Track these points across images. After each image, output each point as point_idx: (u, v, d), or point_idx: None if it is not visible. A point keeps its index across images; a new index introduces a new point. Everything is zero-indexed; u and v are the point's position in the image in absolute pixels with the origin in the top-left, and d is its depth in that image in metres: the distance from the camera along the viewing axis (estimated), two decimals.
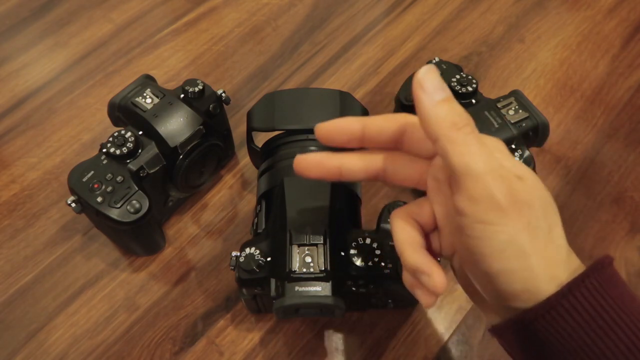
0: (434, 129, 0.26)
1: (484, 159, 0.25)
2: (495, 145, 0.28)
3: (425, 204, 0.30)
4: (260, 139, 0.46)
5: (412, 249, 0.29)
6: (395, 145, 0.30)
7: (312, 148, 0.43)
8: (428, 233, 0.31)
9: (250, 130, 0.46)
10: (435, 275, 0.28)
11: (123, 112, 0.45)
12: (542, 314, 0.25)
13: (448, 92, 0.26)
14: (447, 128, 0.26)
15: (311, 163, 0.31)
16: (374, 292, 0.40)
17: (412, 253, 0.29)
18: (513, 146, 0.43)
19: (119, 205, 0.41)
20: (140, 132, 0.44)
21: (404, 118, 0.30)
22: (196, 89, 0.46)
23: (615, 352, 0.24)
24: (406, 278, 0.30)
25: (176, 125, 0.43)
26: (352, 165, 0.31)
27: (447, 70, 0.49)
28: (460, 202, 0.26)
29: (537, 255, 0.25)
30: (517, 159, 0.43)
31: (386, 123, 0.30)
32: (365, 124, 0.30)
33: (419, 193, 0.32)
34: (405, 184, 0.31)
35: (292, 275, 0.35)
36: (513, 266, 0.26)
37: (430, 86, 0.26)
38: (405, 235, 0.29)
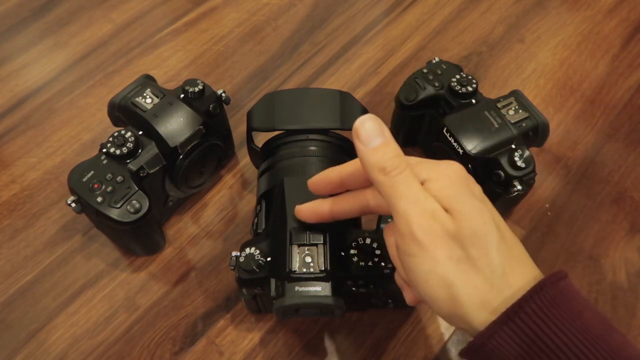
0: (369, 174, 0.29)
1: (406, 198, 0.28)
2: (439, 178, 0.30)
3: None
4: (260, 139, 0.46)
5: (396, 260, 0.32)
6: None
7: (312, 148, 0.43)
8: None
9: (250, 130, 0.46)
10: (407, 294, 0.33)
11: (123, 112, 0.45)
12: (485, 340, 0.27)
13: (384, 137, 0.29)
14: (377, 173, 0.29)
15: (306, 211, 0.35)
16: (374, 292, 0.40)
17: (398, 270, 0.32)
18: (513, 146, 0.43)
19: (119, 205, 0.41)
20: (140, 132, 0.44)
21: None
22: (196, 89, 0.46)
23: None
24: (397, 278, 0.35)
25: (176, 125, 0.43)
26: (340, 207, 0.34)
27: (447, 70, 0.49)
28: (396, 238, 0.29)
29: (461, 285, 0.27)
30: (517, 159, 0.43)
31: (356, 169, 0.33)
32: (340, 176, 0.34)
33: None
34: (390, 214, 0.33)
35: (292, 275, 0.35)
36: (437, 294, 0.28)
37: (364, 135, 0.29)
38: (393, 249, 0.32)
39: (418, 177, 0.29)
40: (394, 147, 0.29)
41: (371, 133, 0.29)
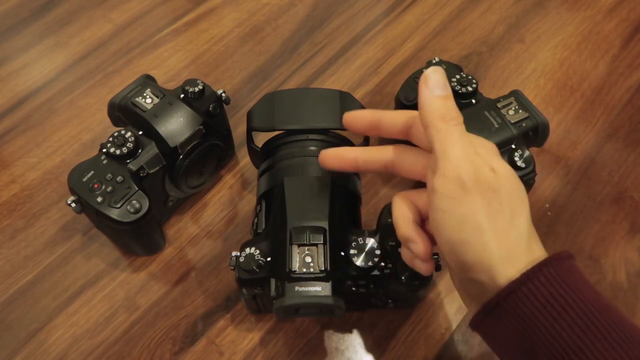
0: (427, 118, 0.31)
1: (460, 146, 0.30)
2: (484, 145, 0.32)
3: (423, 192, 0.34)
4: (260, 139, 0.46)
5: (405, 222, 0.33)
6: (404, 136, 0.35)
7: (312, 148, 0.43)
8: (424, 218, 0.34)
9: (250, 130, 0.46)
10: (421, 242, 0.33)
11: (123, 112, 0.45)
12: (503, 298, 0.28)
13: (448, 92, 0.31)
14: (437, 118, 0.31)
15: (332, 155, 0.36)
16: (374, 292, 0.40)
17: (404, 225, 0.33)
18: (513, 146, 0.43)
19: (119, 205, 0.41)
20: (140, 132, 0.44)
21: (412, 113, 0.35)
22: (196, 89, 0.46)
23: (570, 333, 0.27)
24: (404, 253, 0.35)
25: (176, 125, 0.43)
26: (367, 156, 0.36)
27: (447, 70, 0.49)
28: (434, 180, 0.30)
29: (493, 234, 0.29)
30: (517, 159, 0.43)
31: (397, 116, 0.35)
32: (380, 117, 0.35)
33: None
34: (410, 176, 0.35)
35: (292, 275, 0.35)
36: (469, 238, 0.29)
37: (433, 82, 0.31)
38: (402, 212, 0.34)
39: None
40: (454, 102, 0.31)
41: (438, 83, 0.31)
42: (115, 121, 0.47)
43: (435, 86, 0.31)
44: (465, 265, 0.30)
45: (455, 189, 0.29)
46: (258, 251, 0.37)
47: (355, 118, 0.36)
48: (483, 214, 0.29)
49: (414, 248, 0.33)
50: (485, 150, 0.32)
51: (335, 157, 0.36)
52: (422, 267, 0.33)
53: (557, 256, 0.29)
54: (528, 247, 0.29)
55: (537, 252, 0.30)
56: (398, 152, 0.35)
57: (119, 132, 0.43)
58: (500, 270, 0.29)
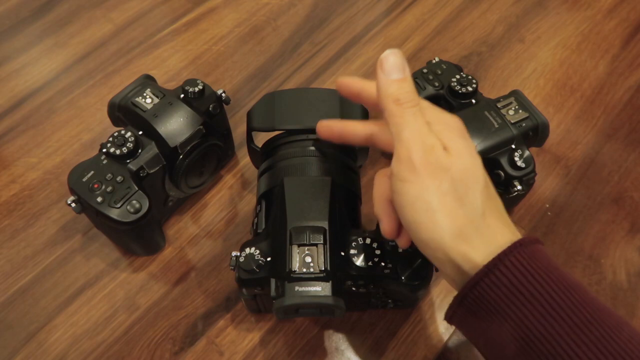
0: (382, 102, 0.32)
1: (412, 128, 0.31)
2: (444, 122, 0.33)
3: None
4: (260, 139, 0.46)
5: (380, 200, 0.35)
6: (369, 144, 0.38)
7: (312, 148, 0.43)
8: None
9: (250, 130, 0.46)
10: (385, 222, 0.34)
11: (123, 112, 0.45)
12: (469, 289, 0.29)
13: (404, 74, 0.32)
14: (391, 102, 0.31)
15: (323, 125, 0.39)
16: (374, 292, 0.40)
17: (378, 203, 0.35)
18: (513, 146, 0.43)
19: (119, 205, 0.41)
20: (140, 132, 0.44)
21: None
22: (196, 89, 0.46)
23: (532, 319, 0.28)
24: (376, 209, 0.36)
25: (176, 125, 0.43)
26: (351, 128, 0.38)
27: (447, 70, 0.49)
28: (392, 163, 0.31)
29: (443, 213, 0.30)
30: (517, 159, 0.43)
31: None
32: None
33: None
34: (389, 150, 0.35)
35: (292, 275, 0.35)
36: (421, 218, 0.30)
37: (388, 66, 0.32)
38: (379, 189, 0.35)
39: (425, 117, 0.32)
40: (410, 84, 0.32)
41: (394, 66, 0.32)
42: (115, 121, 0.47)
43: (391, 69, 0.31)
44: (422, 244, 0.31)
45: (407, 171, 0.30)
46: (258, 251, 0.37)
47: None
48: (433, 194, 0.30)
49: (381, 225, 0.35)
50: (443, 128, 0.32)
51: (326, 127, 0.39)
52: (388, 229, 0.35)
53: (521, 242, 0.29)
54: (483, 223, 0.30)
55: (494, 228, 0.30)
56: (378, 126, 0.36)
57: (119, 132, 0.43)
58: (453, 247, 0.30)
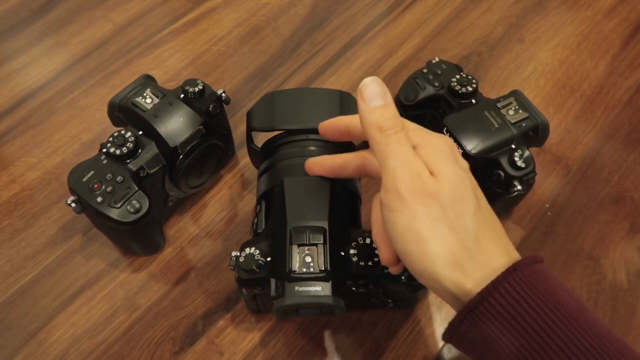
0: (366, 130, 0.31)
1: (397, 155, 0.30)
2: (431, 144, 0.32)
3: None
4: (260, 139, 0.46)
5: (377, 227, 0.34)
6: None
7: (312, 148, 0.43)
8: None
9: (250, 130, 0.46)
10: (383, 250, 0.33)
11: (123, 112, 0.45)
12: (464, 316, 0.28)
13: (386, 100, 0.31)
14: (374, 131, 0.31)
15: (313, 162, 0.38)
16: (374, 292, 0.40)
17: (376, 231, 0.34)
18: (513, 146, 0.43)
19: (119, 205, 0.41)
20: (140, 132, 0.44)
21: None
22: (196, 89, 0.46)
23: (530, 350, 0.27)
24: (374, 236, 0.35)
25: (176, 125, 0.43)
26: (341, 162, 0.37)
27: (447, 70, 0.49)
28: (381, 193, 0.31)
29: (434, 241, 0.29)
30: (517, 159, 0.43)
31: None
32: (349, 123, 0.36)
33: None
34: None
35: (292, 275, 0.35)
36: (411, 248, 0.29)
37: (367, 94, 0.31)
38: (376, 215, 0.34)
39: (411, 141, 0.31)
40: (392, 110, 0.31)
41: (374, 93, 0.31)
42: (115, 121, 0.47)
43: (371, 97, 0.31)
44: (416, 273, 0.30)
45: (395, 200, 0.30)
46: (258, 251, 0.37)
47: (328, 126, 0.37)
48: (422, 222, 0.29)
49: (379, 254, 0.34)
50: (431, 151, 0.31)
51: (316, 164, 0.38)
52: (386, 258, 0.34)
53: (516, 266, 0.28)
54: (477, 247, 0.29)
55: (489, 251, 0.29)
56: (367, 156, 0.35)
57: (119, 132, 0.43)
58: (446, 276, 0.29)
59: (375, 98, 0.31)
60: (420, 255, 0.29)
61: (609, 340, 0.27)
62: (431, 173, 0.30)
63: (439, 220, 0.29)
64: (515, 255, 0.30)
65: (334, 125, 0.37)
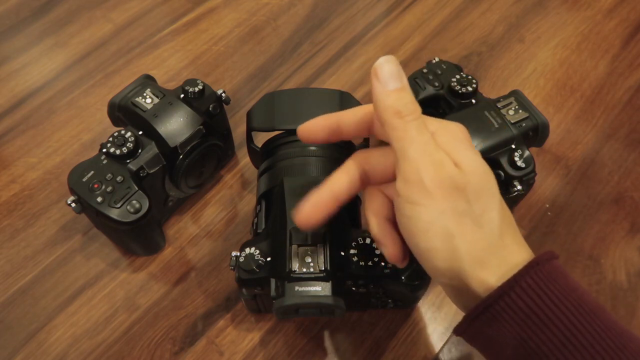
0: (382, 115, 0.29)
1: (418, 144, 0.28)
2: (449, 133, 0.30)
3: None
4: (260, 139, 0.46)
5: (377, 220, 0.31)
6: (368, 132, 0.33)
7: (312, 148, 0.43)
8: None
9: (250, 130, 0.46)
10: (390, 246, 0.31)
11: (123, 112, 0.45)
12: (481, 311, 0.27)
13: (402, 83, 0.28)
14: (392, 115, 0.28)
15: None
16: (374, 292, 0.40)
17: (375, 225, 0.31)
18: (513, 146, 0.43)
19: (119, 205, 0.41)
20: (140, 132, 0.44)
21: (369, 107, 0.32)
22: (196, 89, 0.46)
23: (550, 346, 0.26)
24: (376, 233, 0.32)
25: (176, 125, 0.43)
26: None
27: (447, 70, 0.49)
28: (397, 183, 0.29)
29: (461, 238, 0.27)
30: (517, 159, 0.43)
31: (356, 113, 0.32)
32: (338, 120, 0.32)
33: None
34: (386, 180, 0.32)
35: (292, 275, 0.35)
36: (436, 245, 0.28)
37: (384, 75, 0.28)
38: (374, 206, 0.32)
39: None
40: (410, 94, 0.29)
41: (390, 75, 0.28)
42: (115, 121, 0.47)
43: (387, 79, 0.28)
44: (437, 272, 0.29)
45: (418, 193, 0.28)
46: (258, 251, 0.37)
47: (310, 129, 0.33)
48: (449, 217, 0.27)
49: (384, 251, 0.32)
50: (449, 140, 0.29)
51: (313, 206, 0.31)
52: (392, 255, 0.32)
53: (537, 260, 0.27)
54: (501, 244, 0.28)
55: (510, 247, 0.28)
56: (364, 162, 0.32)
57: (119, 132, 0.43)
58: (472, 275, 0.28)
59: (392, 80, 0.28)
60: (446, 252, 0.28)
61: (629, 339, 0.26)
62: (454, 164, 0.28)
63: (465, 215, 0.27)
64: (531, 252, 0.29)
65: (319, 125, 0.32)
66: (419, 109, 0.29)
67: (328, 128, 0.32)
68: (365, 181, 0.32)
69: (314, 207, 0.31)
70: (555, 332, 0.26)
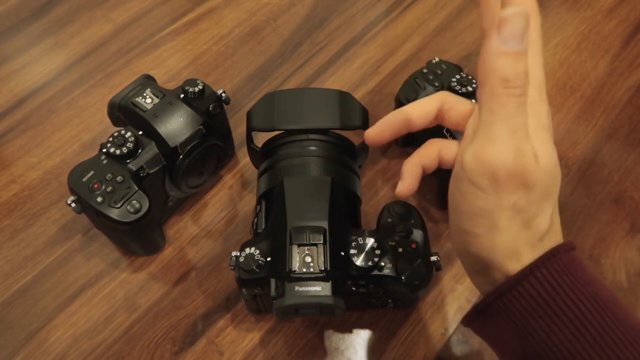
0: (485, 75, 0.25)
1: (510, 125, 0.25)
2: (540, 122, 0.27)
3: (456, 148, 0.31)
4: (260, 139, 0.46)
5: (416, 160, 0.31)
6: (437, 122, 0.32)
7: (312, 148, 0.43)
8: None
9: (250, 130, 0.46)
10: (404, 185, 0.31)
11: (123, 112, 0.45)
12: (494, 299, 0.27)
13: (522, 47, 0.24)
14: (496, 81, 0.25)
15: (379, 128, 0.32)
16: (374, 292, 0.40)
17: (411, 163, 0.31)
18: None
19: (119, 205, 0.41)
20: (140, 132, 0.44)
21: (439, 95, 0.32)
22: (196, 89, 0.46)
23: (561, 337, 0.25)
24: (410, 162, 0.32)
25: (176, 125, 0.43)
26: (416, 112, 0.32)
27: (447, 70, 0.49)
28: (466, 154, 0.26)
29: (507, 234, 0.26)
30: None
31: (426, 105, 0.32)
32: (406, 115, 0.32)
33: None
34: (457, 128, 0.32)
35: (292, 275, 0.35)
36: (480, 232, 0.27)
37: (507, 31, 0.24)
38: (423, 152, 0.31)
39: None
40: (525, 64, 0.25)
41: (515, 33, 0.24)
42: (115, 121, 0.47)
43: (509, 36, 0.24)
44: (469, 254, 0.28)
45: (484, 177, 0.25)
46: (258, 251, 0.37)
47: (380, 131, 0.32)
48: (504, 211, 0.26)
49: (399, 183, 0.31)
50: (535, 124, 0.26)
51: (380, 131, 0.32)
52: (405, 189, 0.32)
53: (555, 251, 0.27)
54: (540, 246, 0.27)
55: (546, 243, 0.27)
56: (445, 99, 0.31)
57: (119, 132, 0.43)
58: (500, 264, 0.27)
59: (514, 40, 0.24)
60: (484, 242, 0.27)
61: None
62: (535, 157, 0.26)
63: (520, 212, 0.26)
64: (559, 237, 0.29)
65: (386, 125, 0.32)
66: (527, 85, 0.25)
67: (397, 127, 0.32)
68: (440, 118, 0.32)
69: (384, 123, 0.32)
70: (567, 323, 0.25)
